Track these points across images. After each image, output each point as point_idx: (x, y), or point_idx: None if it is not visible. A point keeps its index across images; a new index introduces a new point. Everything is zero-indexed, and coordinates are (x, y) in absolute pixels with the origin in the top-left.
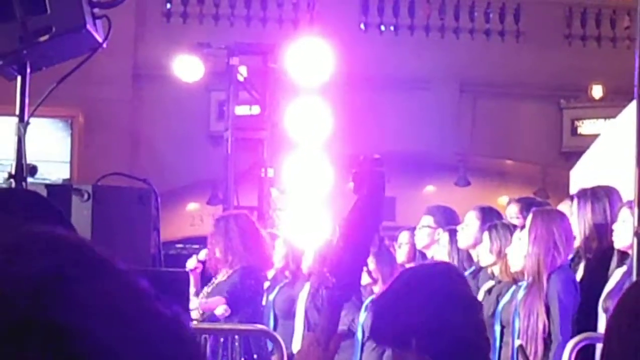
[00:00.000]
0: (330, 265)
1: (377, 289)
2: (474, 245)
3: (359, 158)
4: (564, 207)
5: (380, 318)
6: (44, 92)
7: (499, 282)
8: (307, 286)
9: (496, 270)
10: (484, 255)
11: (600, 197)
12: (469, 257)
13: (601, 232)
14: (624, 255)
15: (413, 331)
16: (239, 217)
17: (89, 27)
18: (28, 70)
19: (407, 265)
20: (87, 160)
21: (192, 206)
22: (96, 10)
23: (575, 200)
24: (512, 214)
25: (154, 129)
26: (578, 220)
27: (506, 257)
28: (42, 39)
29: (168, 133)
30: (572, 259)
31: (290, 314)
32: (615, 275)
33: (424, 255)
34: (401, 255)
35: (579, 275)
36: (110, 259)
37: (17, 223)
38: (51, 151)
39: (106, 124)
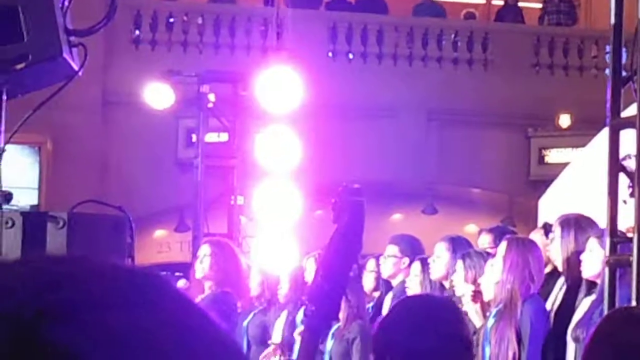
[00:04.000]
0: (309, 294)
1: (342, 316)
2: (446, 277)
3: (338, 187)
4: (535, 236)
5: (375, 333)
6: (14, 118)
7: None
8: (283, 315)
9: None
10: (458, 284)
11: (584, 226)
12: (442, 287)
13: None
14: (591, 285)
15: (389, 348)
16: (226, 244)
17: (66, 55)
18: (4, 98)
19: (374, 294)
20: (56, 187)
21: (159, 233)
22: (72, 38)
23: (559, 228)
24: (484, 244)
25: (123, 155)
26: (561, 248)
27: (479, 285)
28: (19, 67)
29: (136, 160)
30: (541, 287)
31: (263, 341)
32: (584, 305)
33: (388, 284)
34: (367, 282)
35: (551, 303)
36: (145, 287)
37: None
38: (19, 178)
39: (75, 150)
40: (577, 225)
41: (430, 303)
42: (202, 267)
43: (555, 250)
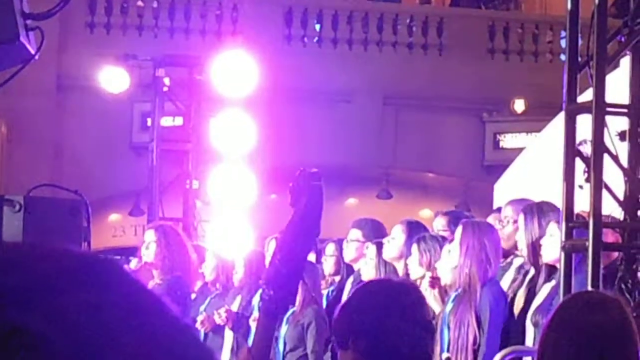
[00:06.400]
0: (267, 278)
1: (297, 300)
2: (399, 258)
3: (296, 171)
4: (490, 220)
5: (337, 317)
6: None
7: None
8: (238, 299)
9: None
10: (413, 267)
11: (546, 211)
12: (395, 270)
13: None
14: (551, 270)
15: (350, 331)
16: (171, 229)
17: (22, 39)
18: None
19: (335, 278)
20: (10, 171)
21: (113, 217)
22: (29, 21)
23: (522, 215)
24: (439, 226)
25: (77, 139)
26: (525, 235)
27: (435, 270)
28: None
29: (91, 144)
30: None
31: (220, 327)
32: (544, 290)
33: (350, 267)
34: (327, 267)
35: (506, 286)
36: (109, 273)
37: None
38: None
39: (29, 134)
40: (539, 211)
41: (392, 286)
42: (147, 252)
43: (519, 238)
